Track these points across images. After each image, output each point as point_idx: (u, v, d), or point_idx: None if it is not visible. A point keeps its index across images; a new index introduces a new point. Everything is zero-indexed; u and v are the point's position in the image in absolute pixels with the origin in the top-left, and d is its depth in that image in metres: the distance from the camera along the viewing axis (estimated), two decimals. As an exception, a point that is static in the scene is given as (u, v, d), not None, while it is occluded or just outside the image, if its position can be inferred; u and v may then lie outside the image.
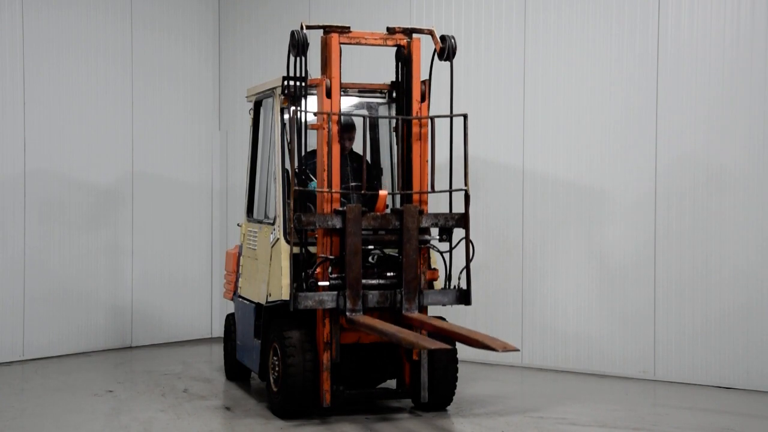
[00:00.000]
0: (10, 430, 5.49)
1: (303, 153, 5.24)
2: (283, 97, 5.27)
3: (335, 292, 4.88)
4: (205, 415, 5.67)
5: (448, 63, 5.17)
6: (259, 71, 9.08)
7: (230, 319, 6.69)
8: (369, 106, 5.96)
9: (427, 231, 5.19)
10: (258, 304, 5.69)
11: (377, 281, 5.06)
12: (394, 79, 5.50)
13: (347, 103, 5.80)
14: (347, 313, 4.85)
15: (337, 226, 4.86)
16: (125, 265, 8.05)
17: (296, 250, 5.00)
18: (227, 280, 6.71)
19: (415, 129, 5.15)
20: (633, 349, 6.42)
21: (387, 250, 5.18)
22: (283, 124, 5.39)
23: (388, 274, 5.11)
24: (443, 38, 5.18)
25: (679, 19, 6.34)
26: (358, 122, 5.55)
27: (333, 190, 5.16)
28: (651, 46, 6.37)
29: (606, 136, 6.60)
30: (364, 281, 4.94)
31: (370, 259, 5.06)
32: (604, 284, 6.61)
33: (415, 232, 4.99)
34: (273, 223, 5.48)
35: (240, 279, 6.30)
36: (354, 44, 5.15)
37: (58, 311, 7.54)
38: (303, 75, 4.98)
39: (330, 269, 5.00)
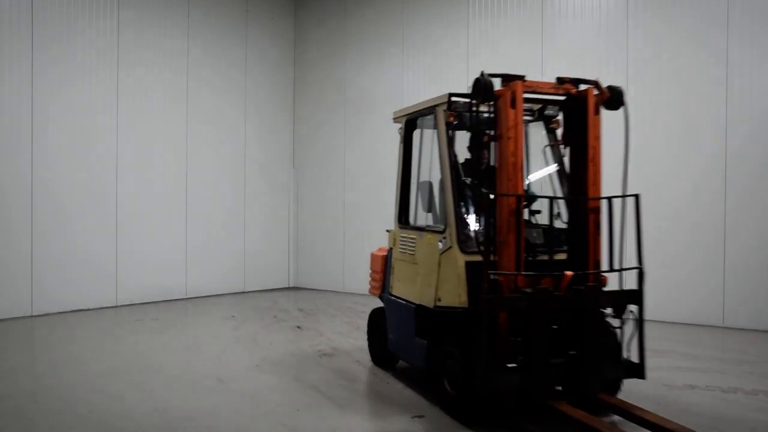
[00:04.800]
0: (179, 329, 8.86)
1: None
2: (448, 112, 5.30)
3: (521, 374, 4.62)
4: (285, 330, 8.82)
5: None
6: (324, 126, 12.84)
7: (377, 313, 6.86)
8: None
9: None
10: (420, 306, 5.67)
11: (560, 360, 4.74)
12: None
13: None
14: (536, 396, 4.64)
15: (525, 308, 4.61)
16: (243, 246, 12.62)
17: (468, 258, 5.05)
18: (373, 278, 6.88)
19: (592, 204, 4.95)
20: None
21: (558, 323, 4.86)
22: (450, 138, 5.39)
23: (570, 352, 4.78)
24: (611, 89, 5.04)
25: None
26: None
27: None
28: None
29: None
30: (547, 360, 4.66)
31: (549, 334, 4.72)
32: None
33: (596, 312, 4.82)
34: (443, 231, 5.34)
35: (391, 279, 6.39)
36: (529, 92, 5.00)
37: (212, 262, 11.89)
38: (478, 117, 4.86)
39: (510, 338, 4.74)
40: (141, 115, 10.97)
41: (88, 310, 10.28)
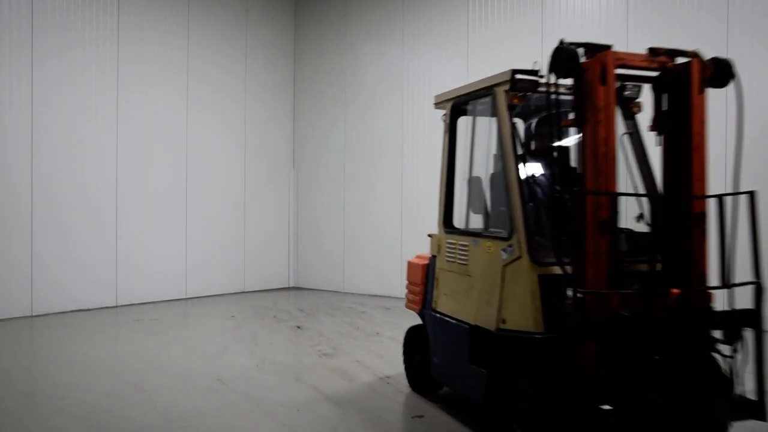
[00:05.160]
0: (179, 329, 8.94)
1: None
2: (512, 93, 4.47)
3: (615, 416, 3.80)
4: (285, 330, 8.84)
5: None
6: (324, 126, 12.89)
7: (416, 332, 5.91)
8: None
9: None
10: (476, 327, 4.71)
11: (662, 398, 3.79)
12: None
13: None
14: None
15: (622, 335, 3.77)
16: (243, 246, 12.65)
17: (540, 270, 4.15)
18: (412, 291, 5.90)
19: (697, 205, 4.05)
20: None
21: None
22: (513, 124, 4.55)
23: (674, 387, 3.83)
24: (716, 61, 4.19)
25: None
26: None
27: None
28: None
29: None
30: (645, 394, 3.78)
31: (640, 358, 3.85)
32: None
33: (707, 338, 3.98)
34: (507, 238, 4.41)
35: (435, 293, 5.42)
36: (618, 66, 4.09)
37: (212, 262, 11.88)
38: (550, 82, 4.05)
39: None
40: (141, 116, 10.99)
41: (88, 310, 10.29)
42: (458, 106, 5.33)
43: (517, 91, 4.48)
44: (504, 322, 4.39)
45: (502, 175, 4.57)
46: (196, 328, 9.24)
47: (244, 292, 12.58)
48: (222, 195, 12.31)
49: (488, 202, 5.06)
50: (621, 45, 9.73)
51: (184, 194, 11.66)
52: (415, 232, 11.67)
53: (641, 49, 4.22)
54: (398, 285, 12.07)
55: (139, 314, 10.02)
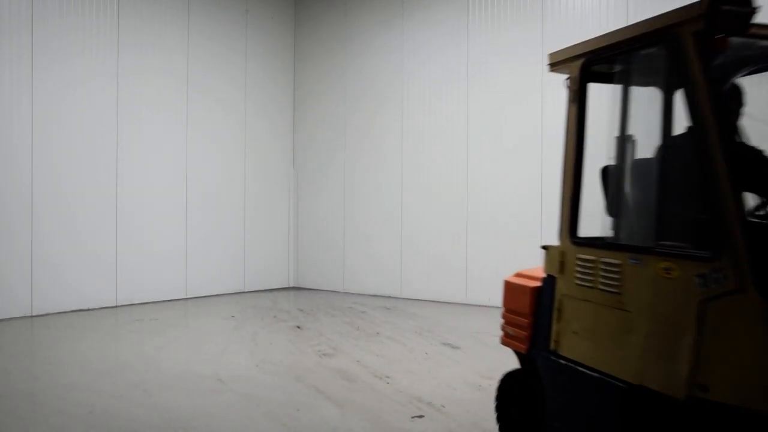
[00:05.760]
0: (179, 329, 8.94)
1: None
2: (710, 37, 2.89)
3: None
4: (285, 330, 8.83)
5: None
6: (324, 126, 12.93)
7: (517, 380, 4.41)
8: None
9: None
10: (637, 388, 3.21)
11: None
12: None
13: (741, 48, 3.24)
14: None
15: None
16: (243, 246, 12.66)
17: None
18: (512, 322, 4.33)
19: None
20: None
21: None
22: (714, 80, 2.92)
23: None
24: None
25: None
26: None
27: None
28: None
29: None
30: None
31: None
32: None
33: None
34: (712, 259, 2.86)
35: (557, 329, 3.85)
36: None
37: (212, 262, 11.92)
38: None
39: None
40: (141, 116, 10.99)
41: (88, 310, 10.30)
42: (594, 64, 3.69)
43: (719, 33, 2.88)
44: (705, 389, 2.87)
45: (692, 161, 3.05)
46: (196, 328, 9.28)
47: (244, 292, 12.59)
48: (222, 195, 12.31)
49: (628, 200, 3.63)
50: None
51: (184, 194, 11.66)
52: (416, 232, 11.71)
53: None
54: (398, 285, 12.07)
55: (139, 314, 10.03)
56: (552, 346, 3.87)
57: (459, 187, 11.16)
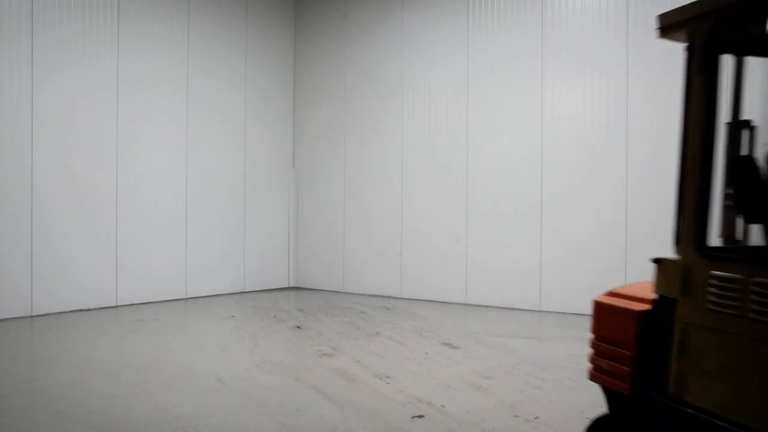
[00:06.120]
0: (179, 329, 8.99)
1: None
2: None
3: None
4: (285, 330, 8.85)
5: None
6: (324, 127, 12.93)
7: (610, 429, 3.56)
8: None
9: None
10: None
11: None
12: None
13: None
14: None
15: None
16: (243, 246, 12.64)
17: None
18: (607, 354, 3.42)
19: None
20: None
21: None
22: None
23: None
24: None
25: None
26: None
27: None
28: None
29: None
30: None
31: None
32: None
33: None
34: None
35: (678, 368, 2.94)
36: None
37: (212, 262, 11.97)
38: None
39: None
40: (141, 115, 10.99)
41: (88, 310, 10.30)
42: (727, 27, 2.85)
43: None
44: None
45: None
46: (196, 328, 9.28)
47: (244, 292, 12.58)
48: (222, 195, 12.31)
49: None
50: (621, 43, 9.83)
51: (184, 194, 11.66)
52: (416, 232, 11.70)
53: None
54: (398, 285, 12.07)
55: (139, 314, 10.03)
56: (671, 389, 2.96)
57: (459, 187, 11.16)
